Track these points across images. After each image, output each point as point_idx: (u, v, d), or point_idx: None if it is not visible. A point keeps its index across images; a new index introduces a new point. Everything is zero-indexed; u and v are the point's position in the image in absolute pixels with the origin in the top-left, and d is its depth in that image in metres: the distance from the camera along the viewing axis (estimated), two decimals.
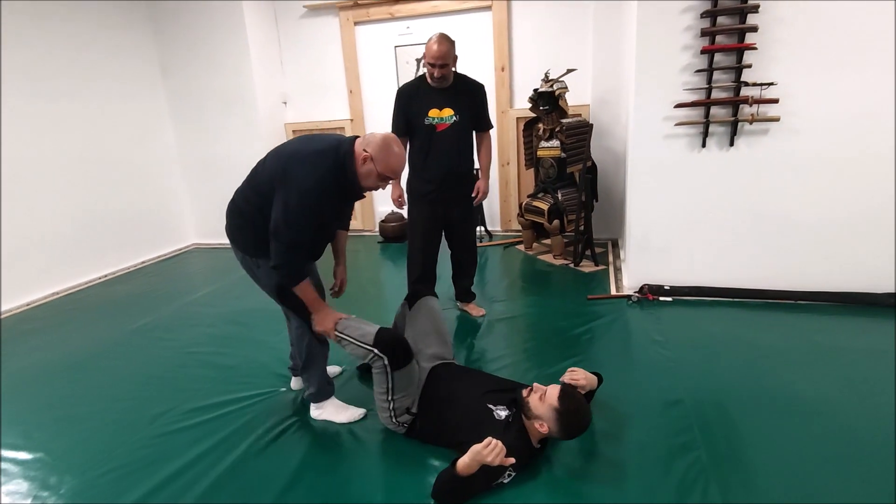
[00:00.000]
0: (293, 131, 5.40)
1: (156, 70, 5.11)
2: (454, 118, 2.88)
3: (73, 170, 4.36)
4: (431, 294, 2.43)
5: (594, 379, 2.14)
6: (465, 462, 1.66)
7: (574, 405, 1.82)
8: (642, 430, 2.05)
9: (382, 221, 5.17)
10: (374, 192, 2.19)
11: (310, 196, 1.86)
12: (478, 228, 4.92)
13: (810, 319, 2.92)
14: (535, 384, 1.92)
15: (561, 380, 2.04)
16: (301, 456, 2.02)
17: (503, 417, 1.89)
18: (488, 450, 1.63)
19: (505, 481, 1.77)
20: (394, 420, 2.03)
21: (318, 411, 2.24)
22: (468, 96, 2.93)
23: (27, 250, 4.02)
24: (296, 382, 2.49)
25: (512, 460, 1.68)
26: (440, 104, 2.88)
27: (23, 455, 2.13)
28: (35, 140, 4.06)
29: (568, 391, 1.85)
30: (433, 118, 2.88)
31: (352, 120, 5.27)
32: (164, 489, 1.88)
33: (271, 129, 5.23)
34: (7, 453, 2.15)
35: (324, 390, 2.23)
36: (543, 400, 1.82)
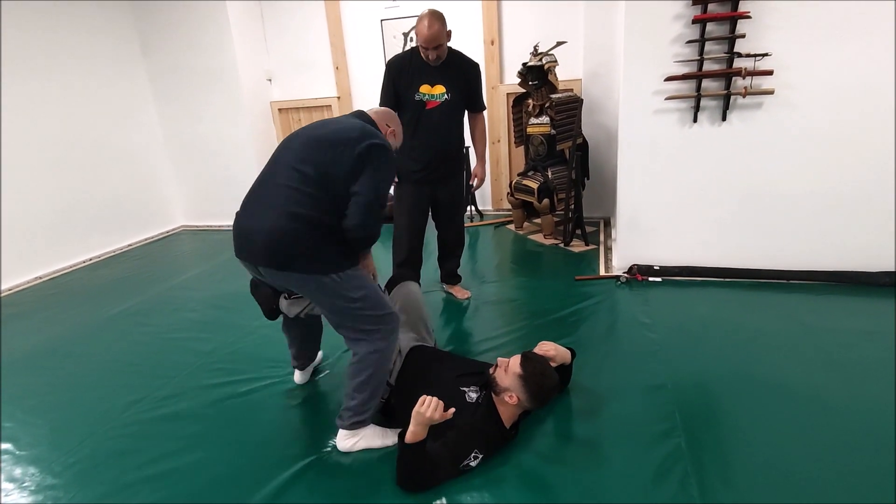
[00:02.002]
0: (279, 109, 5.28)
1: (136, 48, 4.96)
2: (446, 96, 2.77)
3: (54, 152, 4.26)
4: (412, 279, 2.35)
5: (566, 353, 2.10)
6: (410, 430, 1.64)
7: (537, 368, 1.83)
8: (621, 416, 1.99)
9: None
10: None
11: (393, 163, 1.88)
12: (468, 208, 4.85)
13: (802, 300, 2.84)
14: (498, 359, 1.91)
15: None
16: (275, 447, 1.97)
17: (474, 399, 1.86)
18: (424, 407, 1.61)
19: (472, 464, 1.73)
20: None
21: (353, 440, 1.89)
22: (462, 74, 2.80)
23: (9, 234, 3.95)
24: (300, 376, 2.35)
25: (452, 411, 1.66)
26: (432, 80, 2.75)
27: None
28: (12, 122, 3.95)
29: (528, 356, 1.87)
30: (424, 94, 2.76)
31: (339, 97, 5.13)
32: (129, 484, 1.83)
33: (257, 108, 5.10)
34: None
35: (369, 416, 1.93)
36: (507, 371, 1.84)
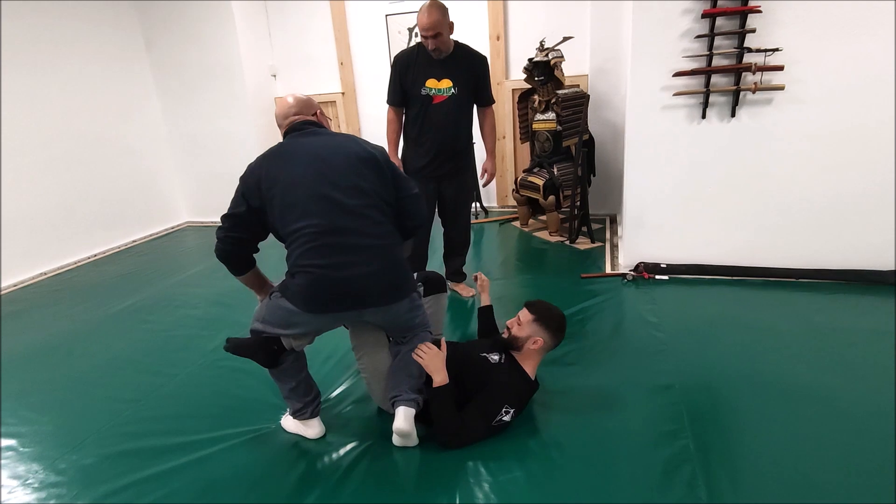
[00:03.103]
0: None
1: (139, 43, 4.95)
2: (452, 90, 2.74)
3: (58, 148, 4.26)
4: (445, 289, 2.27)
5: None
6: (435, 381, 1.82)
7: (543, 305, 2.00)
8: (628, 416, 1.97)
9: None
10: None
11: None
12: (473, 205, 4.82)
13: (811, 298, 2.80)
14: (506, 322, 2.03)
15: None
16: (273, 452, 1.94)
17: (497, 360, 1.96)
18: (424, 355, 1.83)
19: (506, 419, 1.83)
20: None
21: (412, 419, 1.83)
22: (469, 68, 2.77)
23: (14, 230, 3.95)
24: (318, 426, 1.98)
25: (443, 340, 1.93)
26: (438, 74, 2.73)
27: None
28: (16, 117, 3.94)
29: (531, 302, 2.02)
30: (430, 89, 2.73)
31: (343, 93, 5.10)
32: (132, 482, 1.82)
33: (261, 104, 5.08)
34: None
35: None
36: (522, 323, 1.96)
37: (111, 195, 4.72)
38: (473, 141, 2.98)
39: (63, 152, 4.30)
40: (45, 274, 4.16)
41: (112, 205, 4.73)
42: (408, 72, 2.75)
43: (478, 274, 2.44)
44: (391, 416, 1.86)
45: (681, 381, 2.15)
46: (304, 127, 1.82)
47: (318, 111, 1.91)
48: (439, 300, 2.23)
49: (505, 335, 2.01)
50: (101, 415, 2.22)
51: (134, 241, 4.91)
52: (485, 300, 2.39)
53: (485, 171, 3.01)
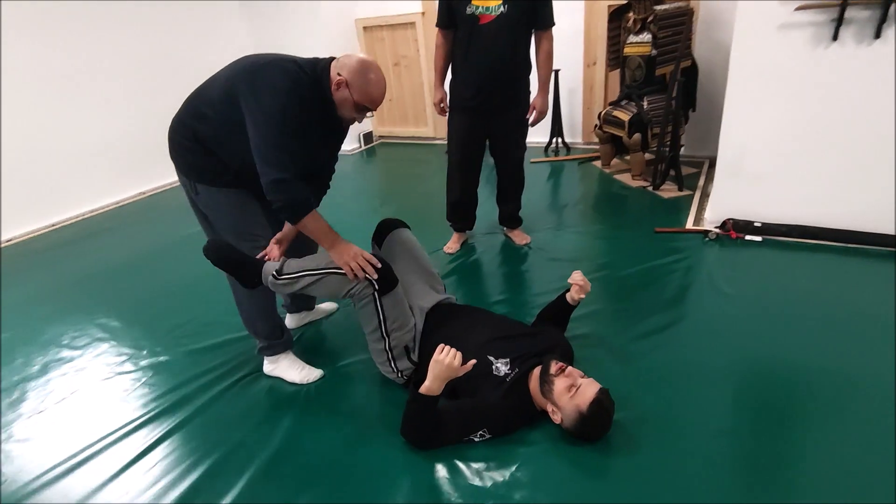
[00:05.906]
0: (364, 28, 5.05)
1: None
2: (501, 9, 2.38)
3: (151, 70, 4.46)
4: (401, 225, 2.06)
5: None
6: (426, 383, 1.52)
7: (603, 416, 1.53)
8: (671, 399, 1.71)
9: None
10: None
11: (286, 99, 1.54)
12: (554, 141, 4.42)
13: None
14: (570, 368, 1.60)
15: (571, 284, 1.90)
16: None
17: (503, 374, 1.65)
18: (442, 356, 1.51)
19: (475, 440, 1.59)
20: (393, 366, 1.81)
21: (272, 366, 2.03)
22: None
23: (117, 150, 4.29)
24: (290, 320, 2.38)
25: (472, 363, 1.56)
26: None
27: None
28: (107, 41, 4.14)
29: (602, 400, 1.51)
30: (476, 7, 2.40)
31: (423, 13, 4.77)
32: (154, 405, 1.94)
33: (341, 25, 4.94)
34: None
35: (277, 343, 2.00)
36: (573, 395, 1.52)
37: None
38: (532, 68, 2.60)
39: (157, 76, 4.50)
40: (144, 193, 4.51)
41: None
42: None
43: (579, 279, 1.88)
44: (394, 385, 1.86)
45: (742, 367, 1.82)
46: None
47: (337, 76, 1.62)
48: (396, 237, 2.03)
49: (553, 370, 1.58)
50: (141, 336, 2.40)
51: None
52: (573, 301, 1.91)
53: (533, 107, 2.63)
